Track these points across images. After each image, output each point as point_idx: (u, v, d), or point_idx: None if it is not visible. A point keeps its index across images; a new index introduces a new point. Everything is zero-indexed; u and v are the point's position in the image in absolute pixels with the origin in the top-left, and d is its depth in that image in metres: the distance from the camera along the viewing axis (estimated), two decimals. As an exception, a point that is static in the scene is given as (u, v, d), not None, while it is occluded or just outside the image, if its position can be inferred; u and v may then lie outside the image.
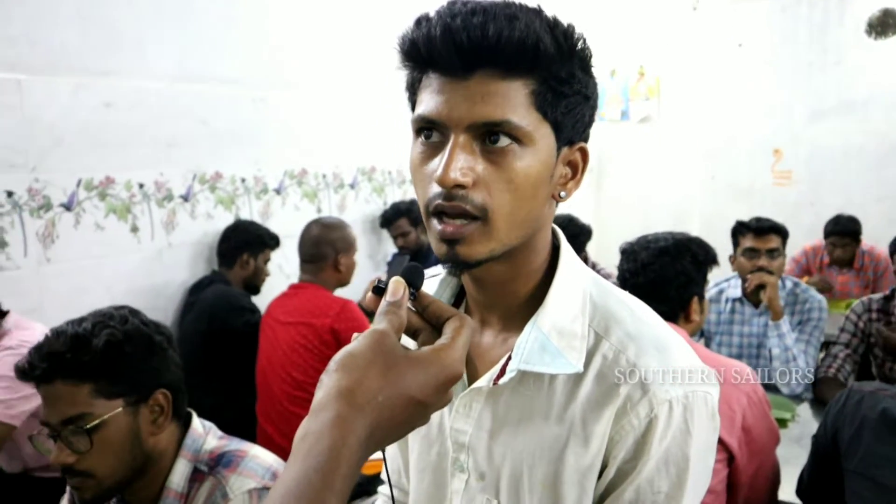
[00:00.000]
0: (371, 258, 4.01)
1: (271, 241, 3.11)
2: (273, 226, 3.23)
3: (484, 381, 0.79)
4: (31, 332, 2.07)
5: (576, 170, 0.79)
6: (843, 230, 4.05)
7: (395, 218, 3.86)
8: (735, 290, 2.87)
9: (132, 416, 1.23)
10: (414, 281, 0.70)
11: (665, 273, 1.80)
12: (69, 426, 1.17)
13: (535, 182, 0.72)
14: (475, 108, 0.69)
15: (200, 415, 1.40)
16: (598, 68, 0.77)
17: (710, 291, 2.88)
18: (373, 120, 3.87)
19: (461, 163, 0.68)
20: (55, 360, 1.18)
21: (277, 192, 3.41)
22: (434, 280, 0.89)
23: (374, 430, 0.58)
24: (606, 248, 5.05)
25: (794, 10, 5.19)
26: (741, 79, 5.38)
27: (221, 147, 3.09)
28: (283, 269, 3.38)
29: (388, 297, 0.67)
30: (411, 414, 0.61)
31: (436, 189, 0.70)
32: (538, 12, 0.71)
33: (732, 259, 2.88)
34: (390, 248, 4.06)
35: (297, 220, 3.49)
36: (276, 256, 3.26)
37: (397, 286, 0.67)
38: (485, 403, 0.81)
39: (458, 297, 0.89)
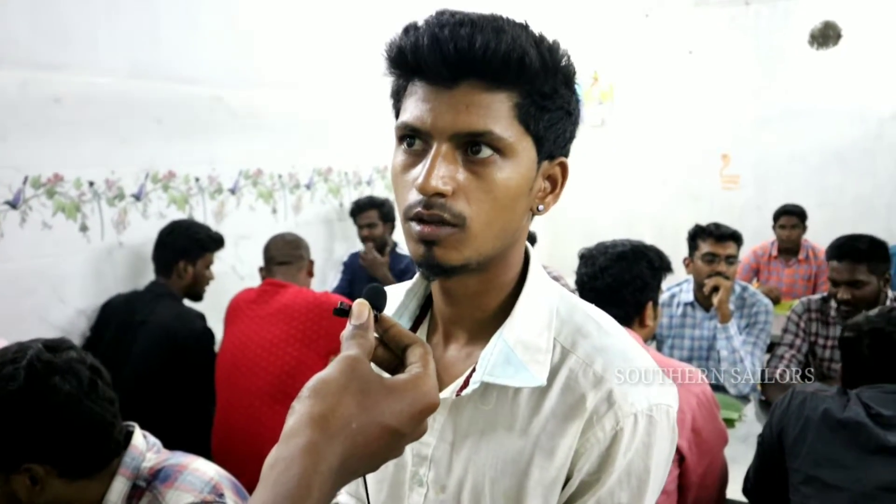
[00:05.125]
0: (327, 260, 3.98)
1: (212, 244, 2.78)
2: (227, 226, 3.17)
3: (447, 393, 0.79)
4: None
5: (555, 184, 0.80)
6: (792, 209, 4.38)
7: (368, 208, 3.77)
8: (687, 294, 2.93)
9: (2, 482, 1.17)
10: (376, 303, 0.68)
11: (622, 277, 1.85)
12: None
13: (514, 194, 0.73)
14: (459, 118, 0.69)
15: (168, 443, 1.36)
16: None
17: (662, 296, 2.93)
18: (330, 121, 3.83)
19: (442, 171, 0.69)
20: None
21: (232, 192, 3.36)
22: (400, 291, 0.88)
23: (347, 458, 0.56)
24: (559, 251, 5.12)
25: (742, 20, 5.36)
26: (691, 85, 5.53)
27: (175, 145, 3.02)
28: (237, 271, 3.33)
29: (353, 321, 0.64)
30: (386, 443, 0.59)
31: (416, 196, 0.70)
32: (525, 27, 0.72)
33: (687, 262, 2.92)
34: (347, 249, 4.04)
35: (252, 220, 3.45)
36: (229, 258, 3.20)
37: (361, 309, 0.65)
38: (447, 416, 0.80)
39: (423, 310, 0.89)
